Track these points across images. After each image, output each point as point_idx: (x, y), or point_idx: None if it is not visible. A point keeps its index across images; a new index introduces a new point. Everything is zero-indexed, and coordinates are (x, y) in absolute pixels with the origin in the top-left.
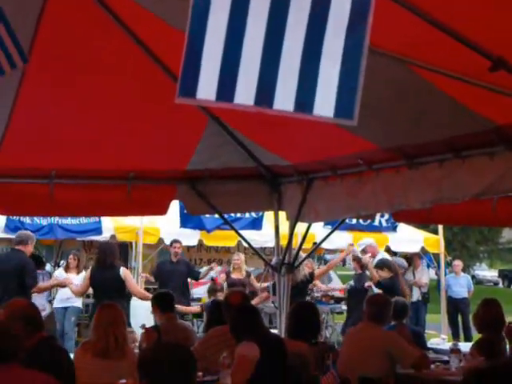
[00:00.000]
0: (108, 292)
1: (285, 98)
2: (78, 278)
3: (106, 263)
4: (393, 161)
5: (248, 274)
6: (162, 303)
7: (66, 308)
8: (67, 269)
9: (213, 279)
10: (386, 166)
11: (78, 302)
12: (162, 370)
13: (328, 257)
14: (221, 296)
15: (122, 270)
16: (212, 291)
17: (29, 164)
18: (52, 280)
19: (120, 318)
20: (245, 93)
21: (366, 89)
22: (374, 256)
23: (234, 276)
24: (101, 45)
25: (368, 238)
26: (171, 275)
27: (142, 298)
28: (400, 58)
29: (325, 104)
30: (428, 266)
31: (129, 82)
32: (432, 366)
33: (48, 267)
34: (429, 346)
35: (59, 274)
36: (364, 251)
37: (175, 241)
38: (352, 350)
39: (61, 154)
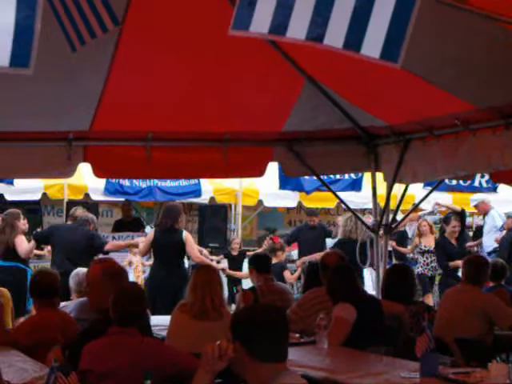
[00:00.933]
0: (168, 255)
1: (335, 35)
2: None
3: (167, 226)
4: (490, 121)
5: None
6: (259, 265)
7: None
8: None
9: (272, 239)
10: (483, 126)
11: None
12: (255, 331)
13: (428, 218)
14: (282, 255)
15: (184, 234)
16: (272, 250)
17: (126, 127)
18: (127, 240)
19: (216, 279)
20: (297, 27)
21: (463, 49)
22: (485, 213)
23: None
24: (194, 4)
25: (480, 194)
26: None
27: (199, 263)
28: (497, 17)
29: (372, 45)
30: None
31: (222, 43)
32: None
33: (148, 229)
34: None
35: None
36: (477, 207)
37: None
38: (449, 311)
39: (157, 116)
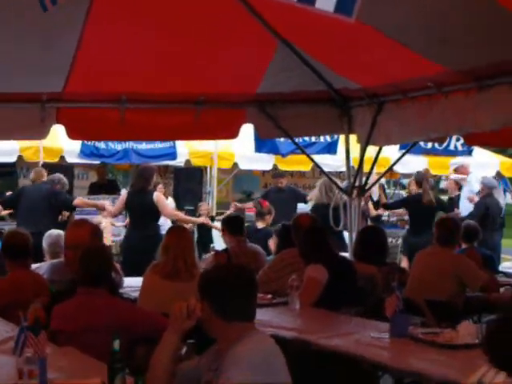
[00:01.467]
0: (141, 216)
1: None
2: None
3: (139, 187)
4: (462, 83)
5: None
6: (232, 226)
7: None
8: None
9: (259, 202)
10: (455, 88)
11: None
12: (222, 290)
13: (405, 181)
14: (269, 219)
15: (155, 195)
16: (260, 214)
17: (99, 89)
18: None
19: (188, 240)
20: None
21: (436, 13)
22: (465, 175)
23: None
24: None
25: (459, 158)
26: None
27: (176, 219)
28: None
29: None
30: (504, 191)
31: (196, 5)
32: (501, 290)
33: (123, 192)
34: (500, 269)
35: None
36: (456, 171)
37: None
38: (421, 272)
39: (131, 78)
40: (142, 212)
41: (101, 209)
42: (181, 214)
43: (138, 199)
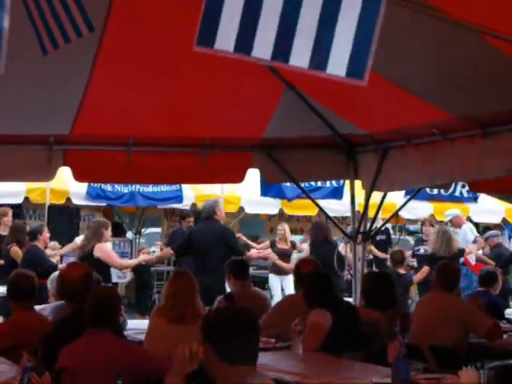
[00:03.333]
0: None
1: (301, 55)
2: None
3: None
4: (467, 130)
5: (293, 245)
6: (237, 270)
7: None
8: None
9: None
10: (460, 135)
11: None
12: (224, 333)
13: (410, 228)
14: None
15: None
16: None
17: (106, 131)
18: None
19: (195, 285)
20: (262, 47)
21: (440, 59)
22: (459, 227)
23: (280, 246)
24: (174, 12)
25: (454, 210)
26: None
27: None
28: (474, 28)
29: (338, 64)
30: (510, 238)
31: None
32: (504, 336)
33: (129, 234)
34: (506, 316)
35: None
36: (451, 222)
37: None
38: (424, 318)
39: (138, 121)
40: None
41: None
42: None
43: None
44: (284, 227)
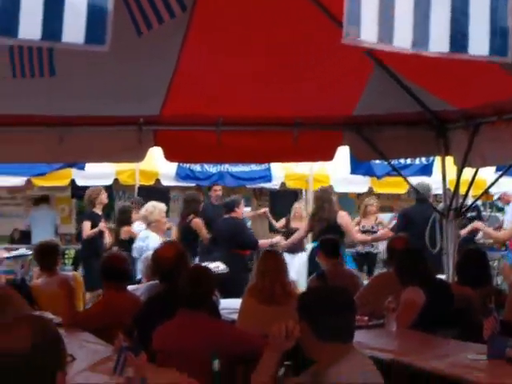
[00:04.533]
0: None
1: (439, 40)
2: None
3: None
4: None
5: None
6: (328, 249)
7: None
8: None
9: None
10: None
11: None
12: (321, 311)
13: (500, 204)
14: None
15: None
16: None
17: (196, 111)
18: None
19: (284, 264)
20: (402, 36)
21: None
22: (507, 203)
23: (294, 225)
24: None
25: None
26: None
27: None
28: None
29: (478, 43)
30: None
31: (293, 29)
32: None
33: None
34: None
35: None
36: (499, 199)
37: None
38: None
39: (228, 101)
40: None
41: None
42: None
43: None
44: (300, 205)
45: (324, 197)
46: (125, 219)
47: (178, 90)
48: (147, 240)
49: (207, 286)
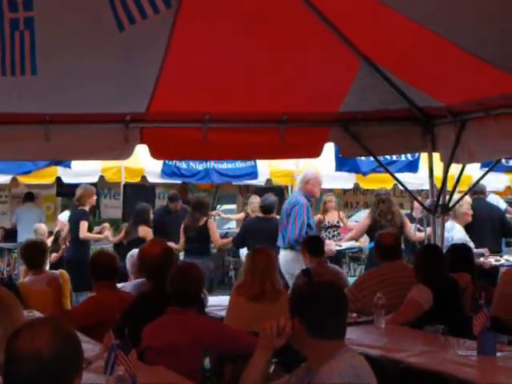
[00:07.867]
0: None
1: None
2: None
3: None
4: None
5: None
6: (312, 247)
7: None
8: None
9: None
10: None
11: None
12: (314, 307)
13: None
14: None
15: None
16: None
17: (182, 108)
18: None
19: (274, 262)
20: None
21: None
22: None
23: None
24: None
25: None
26: None
27: None
28: None
29: None
30: None
31: (280, 26)
32: None
33: None
34: None
35: None
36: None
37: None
38: (506, 289)
39: (214, 97)
40: None
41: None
42: None
43: None
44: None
45: (391, 200)
46: (143, 219)
47: (164, 87)
48: None
49: (196, 284)
